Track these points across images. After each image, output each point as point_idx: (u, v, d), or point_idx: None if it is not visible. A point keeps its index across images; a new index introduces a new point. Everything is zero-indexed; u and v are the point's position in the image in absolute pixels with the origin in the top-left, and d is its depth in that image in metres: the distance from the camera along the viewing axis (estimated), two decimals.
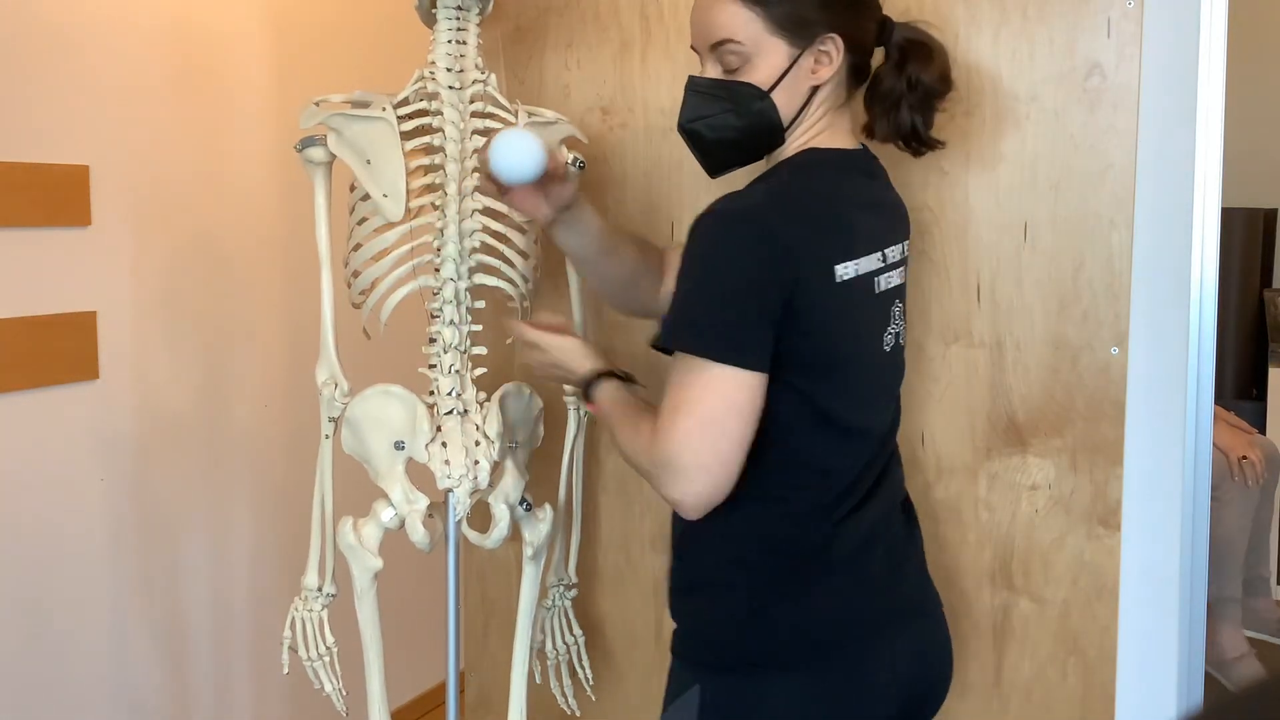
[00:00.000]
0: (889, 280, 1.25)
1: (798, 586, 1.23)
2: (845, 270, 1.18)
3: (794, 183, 1.23)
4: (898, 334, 1.29)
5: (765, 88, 1.22)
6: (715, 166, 1.30)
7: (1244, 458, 2.79)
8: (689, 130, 1.28)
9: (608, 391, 1.31)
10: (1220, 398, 3.45)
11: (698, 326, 1.14)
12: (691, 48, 1.29)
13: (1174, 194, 1.48)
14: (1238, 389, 3.66)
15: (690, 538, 1.27)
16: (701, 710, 1.22)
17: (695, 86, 1.27)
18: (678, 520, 1.29)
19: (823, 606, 1.23)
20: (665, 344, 1.17)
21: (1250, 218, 3.70)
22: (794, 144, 1.27)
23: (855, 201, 1.24)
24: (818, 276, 1.15)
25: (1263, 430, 3.48)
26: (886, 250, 1.25)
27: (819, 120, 1.26)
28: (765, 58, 1.22)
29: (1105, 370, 1.51)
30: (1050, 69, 1.50)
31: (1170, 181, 1.48)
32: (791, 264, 1.13)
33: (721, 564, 1.25)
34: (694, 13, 1.26)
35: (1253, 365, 3.72)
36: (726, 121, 1.24)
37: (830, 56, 1.22)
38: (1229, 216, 3.47)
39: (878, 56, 1.30)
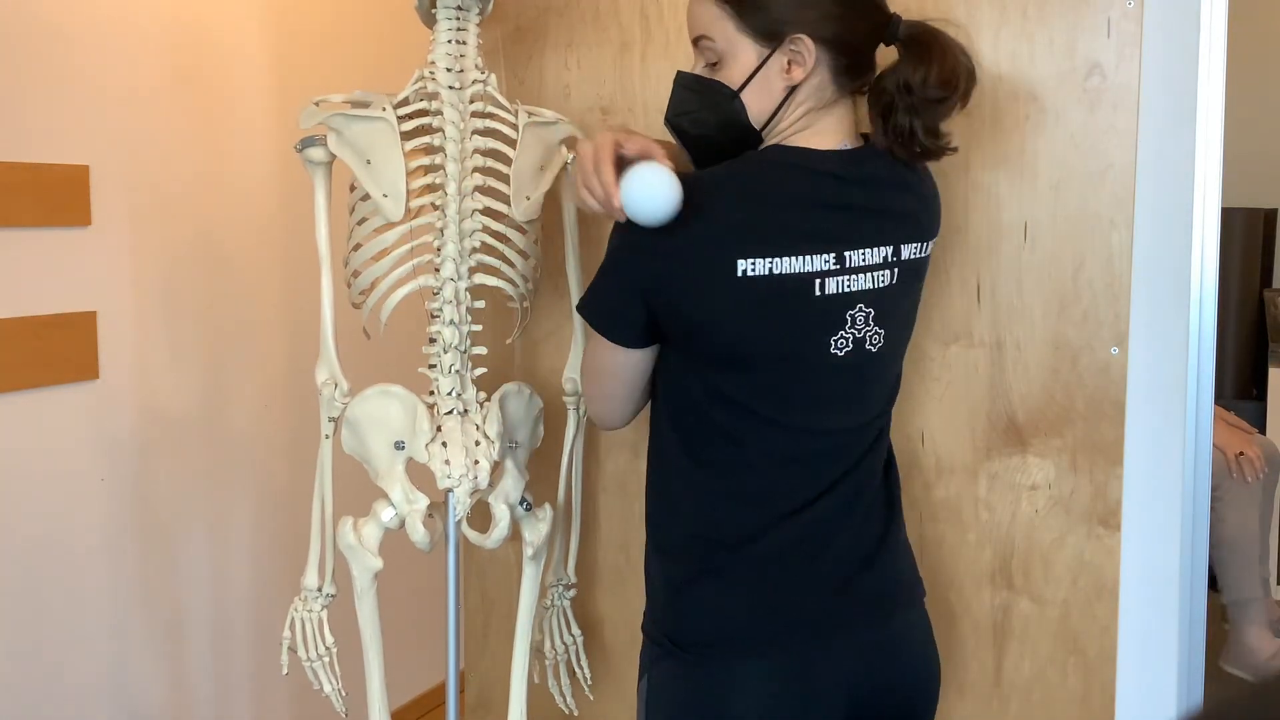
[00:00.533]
0: (849, 283, 1.21)
1: (722, 576, 1.25)
2: (752, 266, 1.16)
3: (716, 176, 1.22)
4: (862, 339, 1.24)
5: (735, 87, 1.23)
6: (699, 161, 1.31)
7: (1241, 454, 2.78)
8: (673, 125, 1.30)
9: None
10: (1220, 398, 3.45)
11: (587, 294, 1.27)
12: None
13: (1174, 194, 1.48)
14: (1238, 389, 3.66)
15: (647, 520, 1.35)
16: (649, 686, 1.30)
17: (680, 81, 1.29)
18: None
19: (752, 599, 1.25)
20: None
21: (1250, 218, 3.70)
22: (768, 143, 1.27)
23: (802, 200, 1.21)
24: (706, 269, 1.17)
25: (1263, 430, 3.48)
26: (849, 253, 1.21)
27: (798, 120, 1.24)
28: (736, 57, 1.23)
29: (1105, 370, 1.51)
30: (1050, 69, 1.50)
31: (1170, 181, 1.48)
32: (662, 254, 1.18)
33: (653, 547, 1.33)
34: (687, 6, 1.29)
35: (1253, 365, 3.72)
36: (703, 118, 1.27)
37: (803, 57, 1.21)
38: (1229, 216, 3.47)
39: (891, 55, 1.27)
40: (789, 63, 1.22)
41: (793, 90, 1.23)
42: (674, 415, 1.29)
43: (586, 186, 1.21)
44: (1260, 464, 2.80)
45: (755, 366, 1.22)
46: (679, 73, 1.29)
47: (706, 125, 1.27)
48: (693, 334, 1.22)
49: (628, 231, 1.20)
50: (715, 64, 1.25)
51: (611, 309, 1.24)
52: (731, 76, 1.24)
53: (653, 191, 1.16)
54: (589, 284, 1.27)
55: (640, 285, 1.20)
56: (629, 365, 1.27)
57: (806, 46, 1.20)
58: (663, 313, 1.21)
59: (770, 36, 1.21)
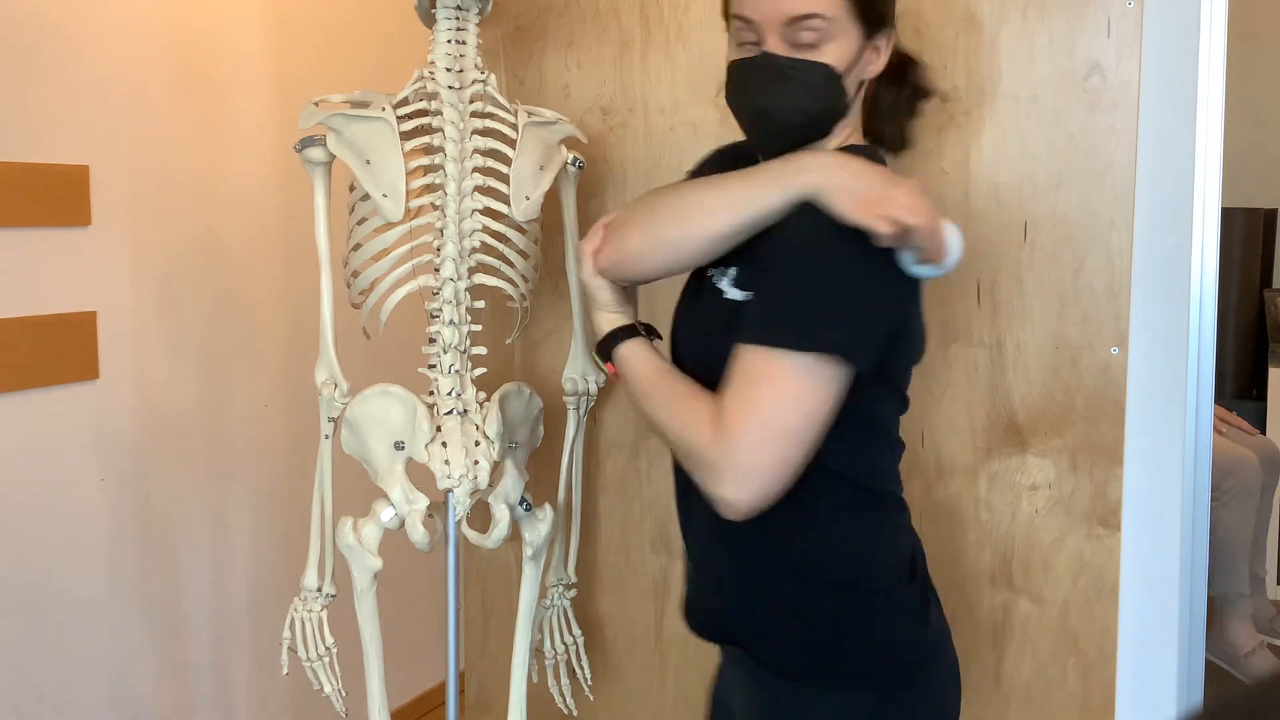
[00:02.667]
0: None
1: (901, 594, 1.22)
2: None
3: None
4: None
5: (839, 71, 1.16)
6: (772, 151, 1.20)
7: None
8: (761, 109, 1.17)
9: (634, 351, 1.22)
10: (1220, 398, 3.45)
11: (851, 327, 1.10)
12: (735, 17, 1.18)
13: (1174, 194, 1.48)
14: (1238, 389, 3.66)
15: (797, 569, 1.21)
16: None
17: (773, 63, 1.15)
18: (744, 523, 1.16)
19: (928, 611, 1.25)
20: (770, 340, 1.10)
21: (1250, 218, 3.70)
22: (835, 139, 1.22)
23: None
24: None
25: (1263, 430, 3.48)
26: None
27: (854, 117, 1.23)
28: (841, 41, 1.15)
29: (1105, 370, 1.51)
30: (1050, 69, 1.50)
31: (1170, 181, 1.48)
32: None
33: (815, 589, 1.20)
34: None
35: (1253, 365, 3.72)
36: (798, 104, 1.16)
37: (880, 52, 1.20)
38: (1229, 216, 3.47)
39: None
40: (874, 54, 1.20)
41: (861, 85, 1.22)
42: (852, 443, 1.17)
43: (924, 243, 1.06)
44: (1246, 427, 2.82)
45: (900, 373, 1.23)
46: (766, 53, 1.15)
47: (798, 112, 1.16)
48: (900, 338, 1.16)
49: (873, 253, 1.08)
50: (810, 47, 1.14)
51: (875, 336, 1.12)
52: (831, 61, 1.15)
53: (955, 255, 1.14)
54: (832, 317, 1.09)
55: (905, 300, 1.15)
56: (834, 402, 1.10)
57: (889, 42, 1.21)
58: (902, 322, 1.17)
59: (871, 26, 1.17)
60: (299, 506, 2.47)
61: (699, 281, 1.27)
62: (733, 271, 1.20)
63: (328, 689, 1.62)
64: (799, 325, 1.08)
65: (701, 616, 1.30)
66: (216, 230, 2.29)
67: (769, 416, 1.07)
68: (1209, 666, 2.77)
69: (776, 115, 1.17)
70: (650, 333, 1.27)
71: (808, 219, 1.10)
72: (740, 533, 1.16)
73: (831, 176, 1.10)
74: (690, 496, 1.25)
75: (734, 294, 1.18)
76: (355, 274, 1.55)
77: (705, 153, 1.39)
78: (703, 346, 1.20)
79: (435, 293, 1.49)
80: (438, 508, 1.55)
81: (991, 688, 1.60)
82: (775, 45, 1.15)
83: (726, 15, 1.22)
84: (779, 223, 1.13)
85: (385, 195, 1.48)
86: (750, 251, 1.17)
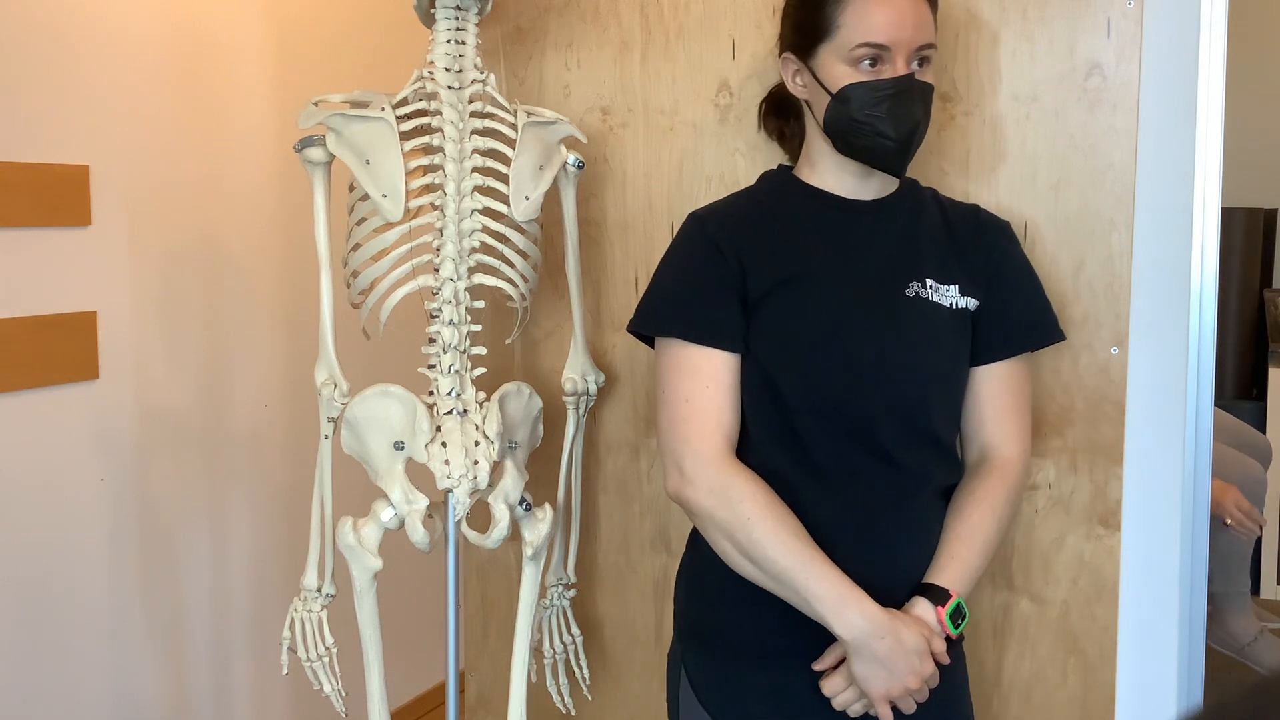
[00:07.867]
0: None
1: None
2: None
3: None
4: None
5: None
6: (895, 168, 1.32)
7: (1226, 522, 2.72)
8: (914, 130, 1.28)
9: (956, 586, 1.29)
10: (1220, 398, 3.45)
11: None
12: (864, 45, 1.24)
13: (1174, 194, 1.48)
14: (1238, 389, 3.66)
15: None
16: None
17: (922, 88, 1.28)
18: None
19: None
20: None
21: (1250, 218, 3.70)
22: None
23: None
24: None
25: (1262, 430, 3.48)
26: None
27: None
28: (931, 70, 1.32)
29: (1105, 370, 1.51)
30: (1050, 69, 1.50)
31: (1170, 181, 1.48)
32: None
33: None
34: (897, 12, 1.24)
35: (1253, 365, 3.72)
36: (927, 127, 1.31)
37: None
38: (1229, 216, 3.47)
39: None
40: None
41: None
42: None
43: None
44: (1255, 517, 2.77)
45: None
46: (914, 78, 1.27)
47: (924, 136, 1.33)
48: None
49: None
50: (923, 73, 1.29)
51: None
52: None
53: None
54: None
55: None
56: None
57: None
58: None
59: None
60: (299, 506, 2.47)
61: (903, 306, 1.31)
62: (954, 288, 1.33)
63: (328, 689, 1.62)
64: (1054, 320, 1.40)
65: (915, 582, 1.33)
66: (216, 230, 2.29)
67: None
68: (1215, 654, 2.77)
69: (918, 137, 1.29)
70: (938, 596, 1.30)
71: (1014, 239, 1.40)
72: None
73: (872, 646, 1.22)
74: (927, 488, 1.35)
75: (964, 302, 1.34)
76: (355, 274, 1.55)
77: (705, 159, 1.41)
78: (936, 361, 1.31)
79: (435, 293, 1.49)
80: (438, 508, 1.55)
81: (991, 687, 1.60)
82: (903, 70, 1.26)
83: (806, 36, 1.31)
84: (987, 238, 1.37)
85: (385, 195, 1.48)
86: (960, 266, 1.34)
